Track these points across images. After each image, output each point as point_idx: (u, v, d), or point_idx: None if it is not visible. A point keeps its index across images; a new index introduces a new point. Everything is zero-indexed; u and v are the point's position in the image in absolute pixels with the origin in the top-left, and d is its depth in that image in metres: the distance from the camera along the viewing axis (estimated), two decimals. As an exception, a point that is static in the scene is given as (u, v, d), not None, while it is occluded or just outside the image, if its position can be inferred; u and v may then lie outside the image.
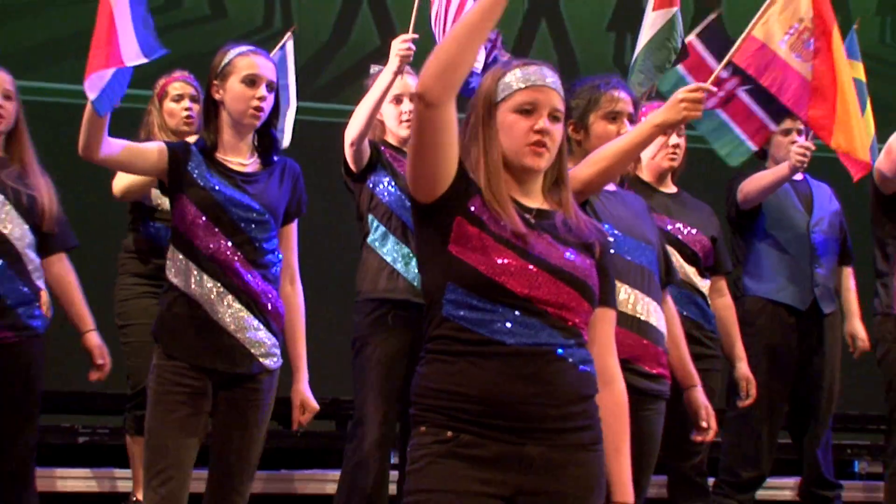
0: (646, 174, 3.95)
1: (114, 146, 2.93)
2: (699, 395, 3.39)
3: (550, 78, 2.27)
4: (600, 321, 2.36)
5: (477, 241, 2.22)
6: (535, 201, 2.28)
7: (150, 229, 4.30)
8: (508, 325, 2.20)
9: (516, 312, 2.20)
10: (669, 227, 3.89)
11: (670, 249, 3.67)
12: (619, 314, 2.79)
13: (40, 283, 3.46)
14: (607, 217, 3.17)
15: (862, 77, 4.44)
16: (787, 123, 4.22)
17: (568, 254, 2.26)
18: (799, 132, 4.31)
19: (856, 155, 3.53)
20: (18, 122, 3.46)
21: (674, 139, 3.89)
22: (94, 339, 3.52)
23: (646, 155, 3.89)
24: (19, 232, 3.36)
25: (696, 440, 3.37)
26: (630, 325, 3.11)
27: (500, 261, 2.19)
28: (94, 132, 2.88)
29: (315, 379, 3.30)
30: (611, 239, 2.73)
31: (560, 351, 2.23)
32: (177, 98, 4.10)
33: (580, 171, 2.82)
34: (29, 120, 3.53)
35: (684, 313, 3.82)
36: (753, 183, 4.44)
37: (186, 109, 4.16)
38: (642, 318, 3.17)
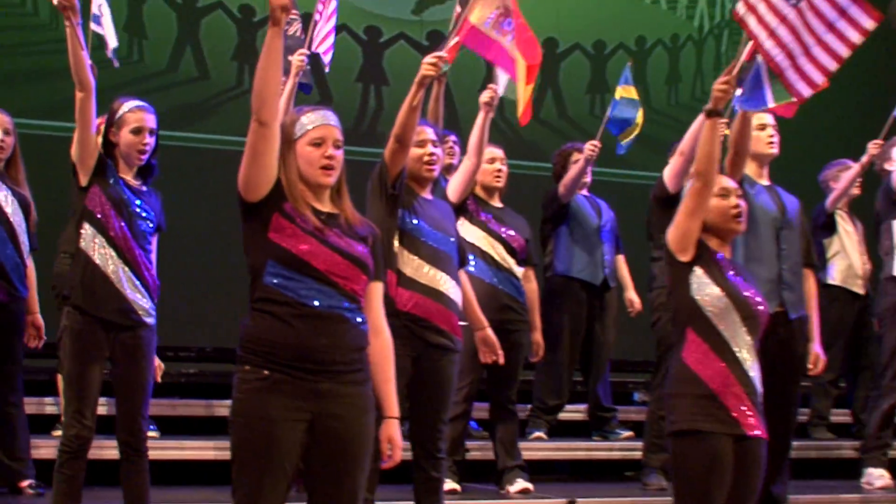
0: (480, 191, 4.72)
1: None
2: (489, 334, 4.17)
3: (332, 119, 2.77)
4: (372, 291, 2.85)
5: (289, 231, 2.66)
6: (326, 207, 2.73)
7: None
8: (312, 291, 2.66)
9: (317, 282, 2.67)
10: (499, 230, 4.70)
11: (498, 245, 4.65)
12: (424, 286, 3.78)
13: (28, 261, 4.25)
14: (423, 216, 3.88)
15: (634, 97, 5.42)
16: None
17: (351, 242, 2.76)
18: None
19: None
20: (15, 151, 4.26)
21: (497, 165, 4.69)
22: (38, 319, 4.36)
23: (479, 177, 4.59)
24: (17, 218, 4.15)
25: (486, 361, 4.18)
26: (431, 294, 3.79)
27: (305, 246, 2.65)
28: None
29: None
30: (415, 226, 3.69)
31: (347, 313, 2.70)
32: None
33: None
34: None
35: (503, 289, 4.68)
36: (565, 179, 5.28)
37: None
38: (441, 289, 3.83)
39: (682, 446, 3.42)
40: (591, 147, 5.12)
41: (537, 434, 5.46)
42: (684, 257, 3.40)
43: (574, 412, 5.86)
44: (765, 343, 3.68)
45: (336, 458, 2.67)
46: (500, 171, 4.77)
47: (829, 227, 5.81)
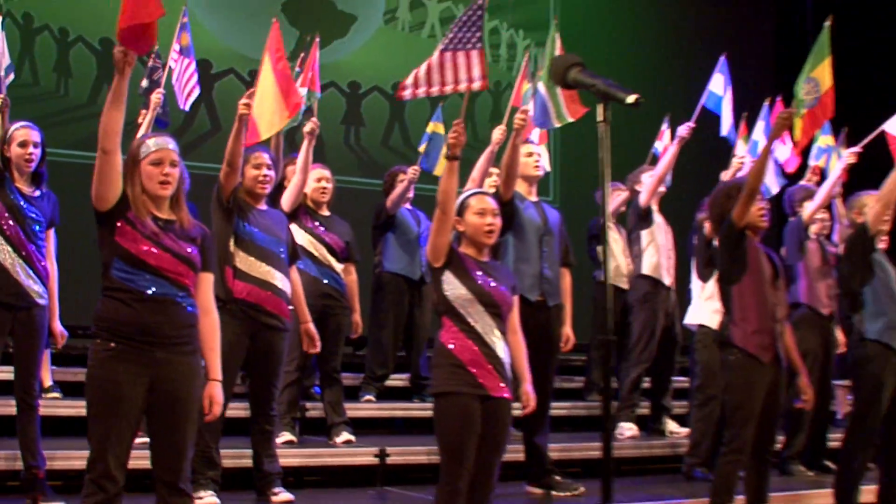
0: (310, 203, 5.36)
1: None
2: (310, 328, 4.74)
3: (171, 144, 3.07)
4: (203, 280, 3.17)
5: (131, 235, 2.96)
6: (164, 214, 3.03)
7: None
8: (148, 282, 2.98)
9: (153, 276, 2.98)
10: (322, 234, 5.37)
11: (321, 246, 5.32)
12: (257, 279, 4.28)
13: None
14: (256, 224, 4.39)
15: (441, 131, 6.11)
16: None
17: (183, 244, 3.06)
18: None
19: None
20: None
21: (323, 183, 5.31)
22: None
23: (308, 192, 5.25)
24: None
25: (307, 350, 4.80)
26: (262, 285, 4.37)
27: (143, 247, 2.97)
28: None
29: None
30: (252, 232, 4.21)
31: (178, 299, 3.05)
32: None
33: None
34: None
35: (326, 281, 5.34)
36: (392, 195, 6.02)
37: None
38: (271, 282, 4.39)
39: (440, 406, 3.72)
40: (413, 171, 5.96)
41: (368, 397, 6.17)
42: (437, 264, 3.74)
43: (398, 380, 6.51)
44: (528, 325, 4.25)
45: (170, 413, 3.03)
46: (325, 188, 5.42)
47: (648, 220, 6.10)
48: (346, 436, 5.34)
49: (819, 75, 5.40)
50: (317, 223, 5.46)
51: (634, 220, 6.16)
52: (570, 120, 5.01)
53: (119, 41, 2.96)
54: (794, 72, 5.63)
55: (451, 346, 3.70)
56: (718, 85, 6.17)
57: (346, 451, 5.26)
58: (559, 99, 4.96)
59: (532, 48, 9.22)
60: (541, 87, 4.99)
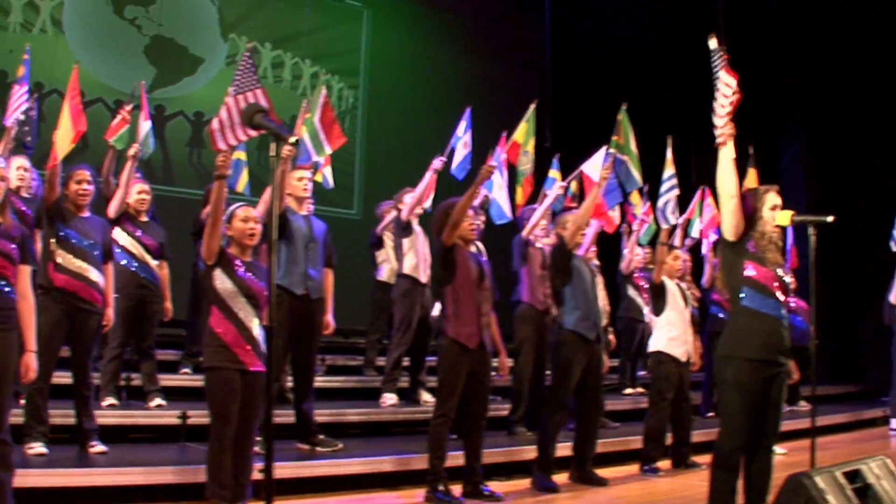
0: (132, 210, 6.14)
1: None
2: (110, 313, 5.23)
3: (1, 162, 3.55)
4: (21, 272, 3.59)
5: None
6: None
7: None
8: None
9: None
10: (140, 237, 6.14)
11: (139, 246, 6.07)
12: (73, 272, 4.85)
13: None
14: (73, 228, 4.96)
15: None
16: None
17: (4, 242, 3.41)
18: None
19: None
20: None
21: (143, 195, 6.18)
22: None
23: (130, 202, 6.07)
24: None
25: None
26: (77, 277, 5.02)
27: None
28: None
29: None
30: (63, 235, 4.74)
31: (1, 287, 3.52)
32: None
33: None
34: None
35: (141, 274, 6.14)
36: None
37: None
38: (84, 275, 5.06)
39: (208, 378, 4.21)
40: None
41: (185, 370, 7.01)
42: (210, 262, 4.27)
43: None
44: (294, 314, 5.08)
45: None
46: (144, 199, 6.27)
47: (409, 230, 6.89)
48: (158, 401, 6.15)
49: (530, 148, 6.56)
50: (136, 228, 6.29)
51: (397, 230, 7.07)
52: (329, 152, 5.96)
53: None
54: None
55: (218, 330, 4.20)
56: (461, 130, 7.27)
57: (156, 413, 6.00)
58: (319, 136, 5.85)
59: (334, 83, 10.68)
60: (306, 129, 5.93)
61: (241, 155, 7.28)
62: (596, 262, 6.73)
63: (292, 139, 3.07)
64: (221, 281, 4.22)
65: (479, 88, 11.61)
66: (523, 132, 6.78)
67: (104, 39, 9.84)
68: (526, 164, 6.86)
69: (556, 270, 5.82)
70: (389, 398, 7.08)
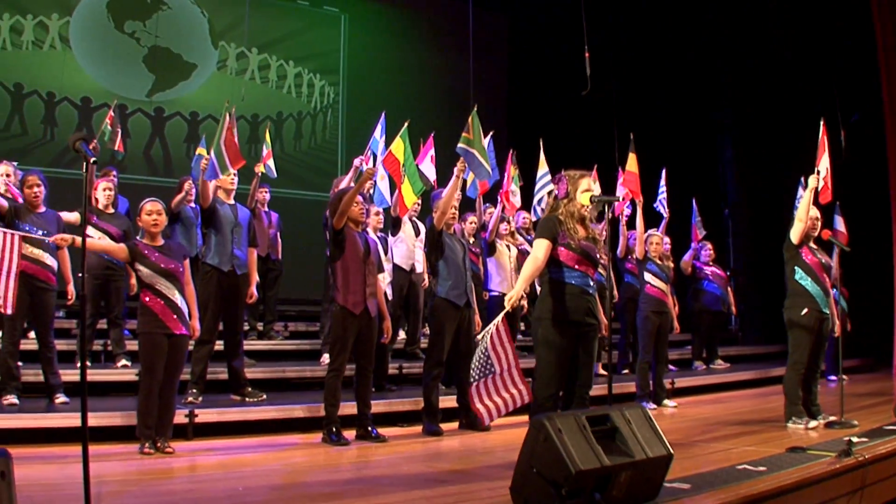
0: (98, 206, 7.02)
1: None
2: (71, 287, 6.06)
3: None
4: None
5: None
6: None
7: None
8: None
9: None
10: (105, 227, 6.90)
11: (103, 234, 6.78)
12: (32, 259, 5.59)
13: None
14: (29, 222, 5.67)
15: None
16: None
17: None
18: None
19: None
20: None
21: (108, 192, 7.05)
22: None
23: (98, 196, 7.00)
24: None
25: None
26: (36, 263, 5.68)
27: None
28: None
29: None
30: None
31: None
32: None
33: None
34: None
35: (106, 257, 6.80)
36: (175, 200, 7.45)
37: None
38: (40, 259, 5.76)
39: (140, 340, 4.95)
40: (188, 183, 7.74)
41: None
42: (124, 257, 5.04)
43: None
44: (222, 286, 5.81)
45: None
46: (109, 195, 7.02)
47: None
48: (124, 361, 7.04)
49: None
50: (101, 220, 7.06)
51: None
52: (232, 171, 6.27)
53: None
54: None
55: (148, 304, 5.00)
56: (377, 133, 7.79)
57: (121, 371, 6.75)
58: (223, 156, 6.20)
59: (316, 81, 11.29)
60: (213, 148, 6.30)
61: (202, 151, 7.57)
62: (514, 242, 7.43)
63: (92, 159, 3.50)
64: (141, 269, 5.04)
65: (445, 81, 12.18)
66: (400, 150, 6.92)
67: (107, 52, 10.63)
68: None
69: (430, 247, 6.27)
70: (326, 358, 7.13)
